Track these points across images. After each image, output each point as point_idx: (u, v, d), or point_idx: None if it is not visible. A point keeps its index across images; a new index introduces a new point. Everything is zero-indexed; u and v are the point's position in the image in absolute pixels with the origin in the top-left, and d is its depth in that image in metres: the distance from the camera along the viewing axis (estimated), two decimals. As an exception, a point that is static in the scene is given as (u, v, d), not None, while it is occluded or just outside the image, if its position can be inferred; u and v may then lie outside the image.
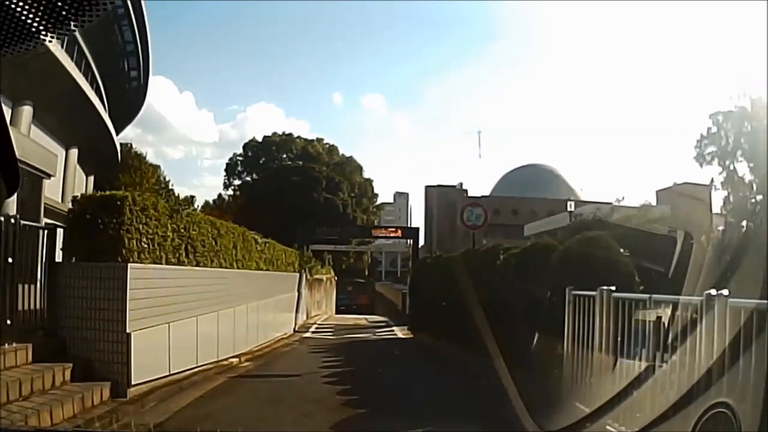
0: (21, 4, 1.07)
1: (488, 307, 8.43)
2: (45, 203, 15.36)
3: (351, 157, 47.66)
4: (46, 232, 6.93)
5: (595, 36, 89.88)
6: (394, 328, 20.46)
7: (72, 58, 19.43)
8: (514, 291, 7.67)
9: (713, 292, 3.63)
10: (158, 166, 38.52)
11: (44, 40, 1.16)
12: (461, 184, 52.03)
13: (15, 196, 1.41)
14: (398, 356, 13.06)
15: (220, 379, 8.21)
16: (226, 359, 9.70)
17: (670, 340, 4.28)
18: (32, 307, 6.59)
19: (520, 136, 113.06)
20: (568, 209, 29.51)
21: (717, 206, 28.17)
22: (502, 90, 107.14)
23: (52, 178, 15.74)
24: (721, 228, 20.34)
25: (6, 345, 5.86)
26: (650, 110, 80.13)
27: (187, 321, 8.03)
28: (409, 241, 37.53)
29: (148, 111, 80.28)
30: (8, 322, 5.95)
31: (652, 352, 4.43)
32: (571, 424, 4.67)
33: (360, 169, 46.98)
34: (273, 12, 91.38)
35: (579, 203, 36.85)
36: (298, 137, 47.32)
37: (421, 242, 36.08)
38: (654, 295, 4.66)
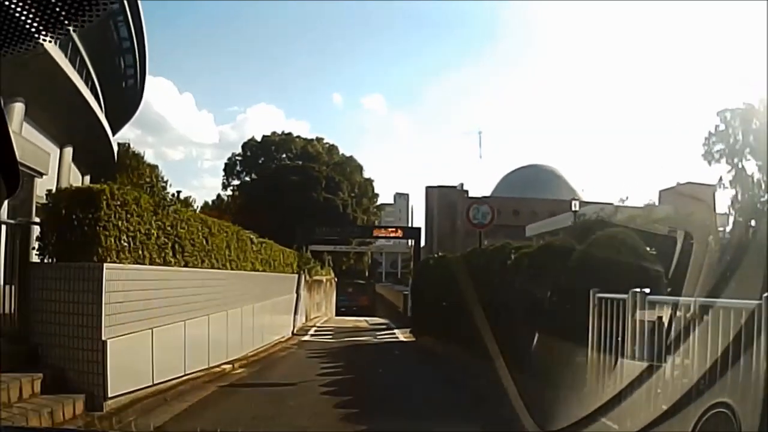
0: (20, 3, 1.04)
1: (498, 309, 7.89)
2: (38, 202, 14.86)
3: (351, 156, 47.03)
4: (19, 229, 6.36)
5: (596, 36, 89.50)
6: (396, 330, 19.92)
7: (66, 55, 18.93)
8: (526, 293, 7.08)
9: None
10: (156, 166, 38.01)
11: (43, 40, 1.12)
12: (462, 184, 51.51)
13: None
14: (401, 361, 12.49)
15: (210, 388, 7.62)
16: (218, 366, 9.12)
17: (720, 347, 3.72)
18: (2, 311, 6.02)
19: (520, 136, 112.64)
20: (573, 209, 28.88)
21: (724, 205, 27.70)
22: (503, 90, 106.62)
23: (44, 177, 15.28)
24: (724, 228, 20.08)
25: (-34, 354, 5.27)
26: (651, 110, 79.72)
27: (173, 326, 7.44)
28: (409, 241, 37.04)
29: (148, 112, 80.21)
30: (-30, 328, 5.38)
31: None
32: (570, 424, 4.54)
33: (360, 168, 46.38)
34: (273, 12, 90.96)
35: (582, 204, 36.37)
36: (298, 137, 46.71)
37: (422, 243, 35.53)
38: (699, 299, 4.07)
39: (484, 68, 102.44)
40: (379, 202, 49.72)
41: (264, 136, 46.46)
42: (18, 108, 17.16)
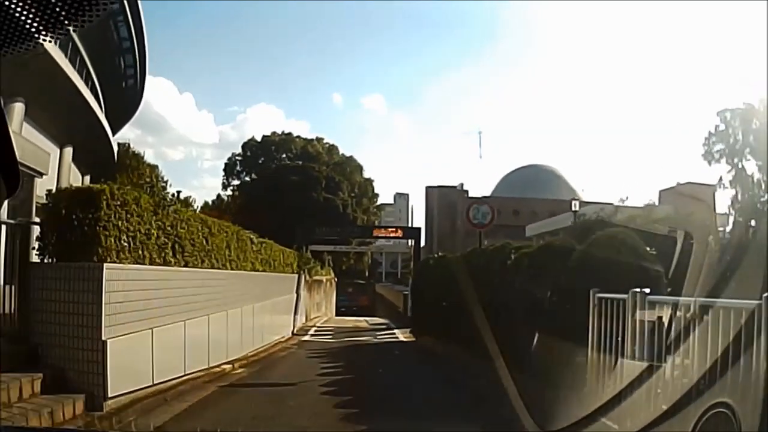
0: (20, 4, 1.04)
1: (498, 309, 7.88)
2: (38, 202, 14.85)
3: (351, 156, 46.95)
4: (18, 229, 6.36)
5: (596, 35, 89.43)
6: (396, 330, 19.90)
7: (66, 55, 18.92)
8: (526, 293, 7.07)
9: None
10: (156, 166, 37.99)
11: (43, 41, 1.12)
12: (462, 184, 51.45)
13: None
14: (401, 361, 12.48)
15: (210, 388, 7.61)
16: (218, 366, 9.11)
17: (720, 347, 3.72)
18: (2, 311, 6.01)
19: (520, 136, 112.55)
20: (573, 209, 28.85)
21: (724, 205, 27.69)
22: (502, 90, 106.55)
23: (44, 177, 15.27)
24: (724, 228, 20.06)
25: (-34, 353, 5.27)
26: (650, 110, 79.69)
27: (173, 326, 7.43)
28: (410, 241, 36.99)
29: (148, 112, 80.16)
30: (-30, 328, 5.38)
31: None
32: (570, 424, 4.52)
33: (360, 168, 46.31)
34: (273, 12, 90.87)
35: (582, 204, 36.37)
36: (298, 137, 46.65)
37: (422, 243, 35.50)
38: (699, 299, 4.06)
39: (484, 68, 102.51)
40: (379, 202, 49.69)
41: (264, 136, 46.42)
42: (18, 108, 17.13)
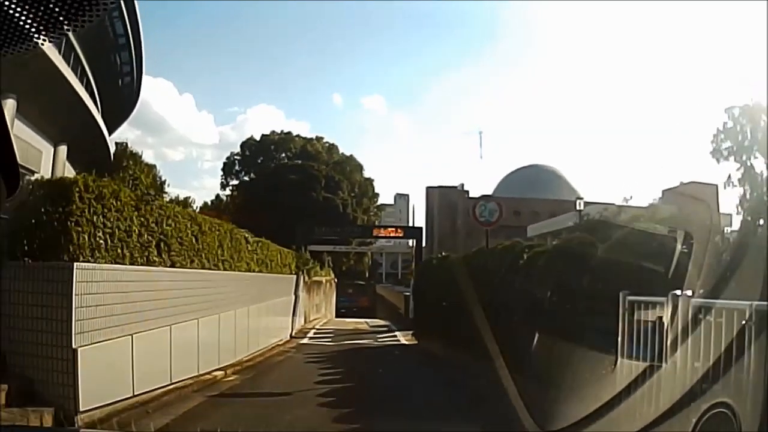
0: (20, 4, 1.03)
1: (509, 312, 7.32)
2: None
3: (351, 155, 46.34)
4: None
5: (596, 35, 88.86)
6: (397, 333, 19.31)
7: (60, 51, 18.40)
8: (546, 296, 6.50)
9: None
10: (154, 166, 37.39)
11: (42, 41, 1.11)
12: (462, 184, 50.98)
13: None
14: (404, 366, 11.88)
15: (197, 399, 7.02)
16: (209, 373, 8.52)
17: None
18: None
19: (521, 136, 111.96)
20: (577, 208, 28.31)
21: (732, 204, 27.22)
22: (503, 90, 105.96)
23: (36, 176, 14.75)
24: (727, 228, 19.74)
25: None
26: (651, 109, 79.15)
27: (157, 331, 6.84)
28: (410, 241, 36.43)
29: (147, 112, 79.72)
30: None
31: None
32: (570, 424, 4.44)
33: (360, 168, 45.70)
34: (273, 12, 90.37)
35: (585, 204, 35.93)
36: (297, 136, 46.05)
37: (423, 243, 34.95)
38: (755, 303, 3.48)
39: (484, 68, 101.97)
40: (379, 203, 49.12)
41: (263, 135, 45.83)
42: (10, 104, 16.59)
